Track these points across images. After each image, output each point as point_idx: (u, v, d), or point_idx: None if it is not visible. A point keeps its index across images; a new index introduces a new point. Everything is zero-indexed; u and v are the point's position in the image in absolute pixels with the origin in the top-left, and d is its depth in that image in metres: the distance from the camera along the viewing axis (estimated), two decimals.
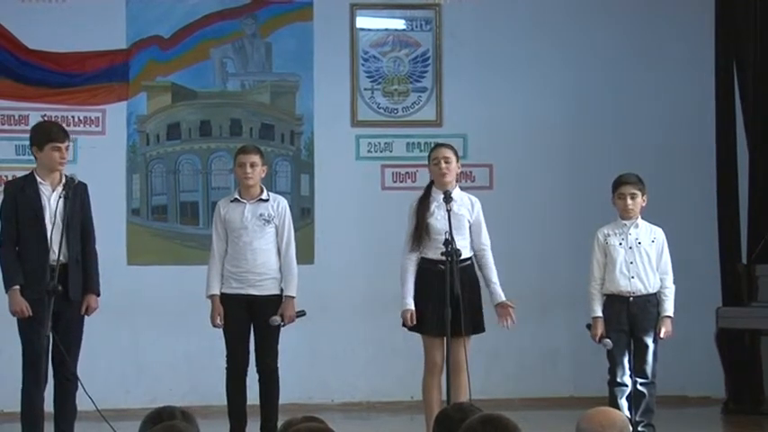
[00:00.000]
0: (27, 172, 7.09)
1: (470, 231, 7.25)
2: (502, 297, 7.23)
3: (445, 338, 6.97)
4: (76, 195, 6.84)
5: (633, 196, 7.34)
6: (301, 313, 7.36)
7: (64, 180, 6.84)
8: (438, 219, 7.17)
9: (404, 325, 7.24)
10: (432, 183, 7.33)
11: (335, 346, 9.58)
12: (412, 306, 7.14)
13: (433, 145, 7.78)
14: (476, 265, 7.25)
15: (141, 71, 9.52)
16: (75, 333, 6.86)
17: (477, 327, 7.18)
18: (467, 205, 7.26)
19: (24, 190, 6.85)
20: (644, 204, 7.41)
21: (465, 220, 7.20)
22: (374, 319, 8.87)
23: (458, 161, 7.33)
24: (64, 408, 6.84)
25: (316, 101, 9.69)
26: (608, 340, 7.23)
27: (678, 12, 9.85)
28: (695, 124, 9.75)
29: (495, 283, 7.26)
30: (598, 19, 9.89)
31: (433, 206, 7.21)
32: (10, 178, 8.13)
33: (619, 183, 7.39)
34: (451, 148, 7.37)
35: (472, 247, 7.25)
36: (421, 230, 7.18)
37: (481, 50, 9.81)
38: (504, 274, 8.52)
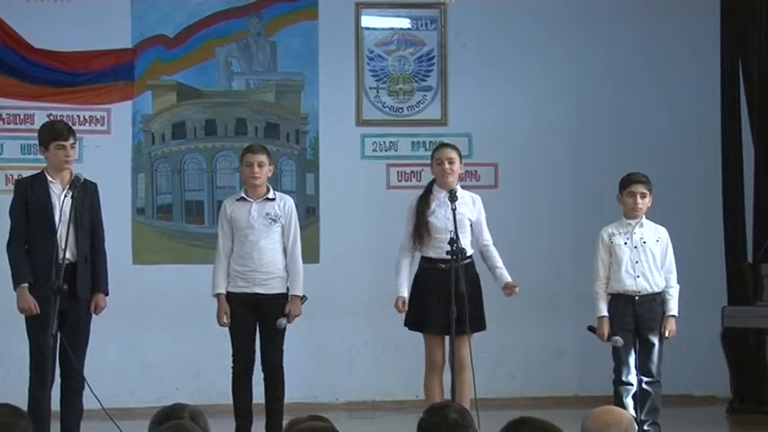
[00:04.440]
0: (32, 171, 7.10)
1: (472, 229, 7.27)
2: (508, 278, 7.32)
3: (450, 337, 6.99)
4: (85, 194, 6.85)
5: (643, 195, 7.35)
6: (303, 298, 7.37)
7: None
8: (438, 217, 7.20)
9: (405, 324, 7.25)
10: (433, 181, 7.35)
11: (340, 344, 9.59)
12: (404, 294, 7.17)
13: (436, 144, 7.81)
14: (476, 263, 7.26)
15: (146, 70, 9.53)
16: (82, 332, 6.87)
17: (480, 324, 7.19)
18: (468, 203, 7.28)
19: (34, 188, 6.87)
20: (649, 205, 7.41)
21: (466, 218, 7.22)
22: (379, 317, 8.85)
23: (461, 161, 7.36)
24: (70, 407, 6.85)
25: (321, 100, 9.69)
26: (618, 338, 7.24)
27: (683, 12, 9.84)
28: (701, 123, 9.75)
29: (500, 268, 7.35)
30: (603, 19, 9.89)
31: (434, 205, 7.24)
32: (16, 177, 8.16)
33: (629, 181, 7.39)
34: (456, 148, 7.41)
35: (475, 245, 7.28)
36: (421, 229, 7.20)
37: (486, 49, 9.81)
38: (509, 273, 8.54)
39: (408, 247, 7.27)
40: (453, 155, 7.31)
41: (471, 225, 7.29)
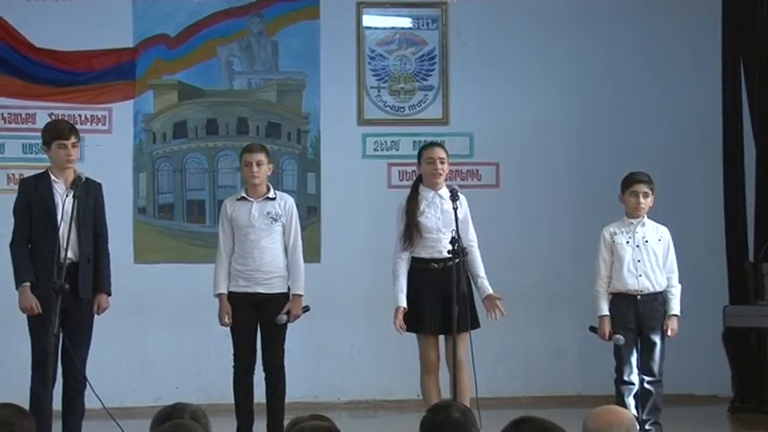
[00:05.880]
0: (34, 170, 7.10)
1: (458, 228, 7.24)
2: (489, 290, 7.24)
3: (452, 336, 6.97)
4: (89, 194, 6.86)
5: (645, 195, 7.36)
6: (306, 309, 7.38)
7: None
8: (429, 217, 7.19)
9: (399, 328, 7.21)
10: (419, 181, 7.32)
11: (342, 344, 9.59)
12: (404, 303, 7.14)
13: (423, 143, 7.81)
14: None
15: (148, 69, 9.54)
16: (84, 332, 6.87)
17: (476, 322, 7.18)
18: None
19: (37, 187, 6.88)
20: (651, 205, 7.42)
21: (454, 216, 7.18)
22: (380, 317, 8.81)
23: (448, 161, 7.34)
24: (72, 406, 6.86)
25: (322, 99, 9.70)
26: (619, 336, 7.25)
27: (683, 12, 9.83)
28: (702, 123, 9.74)
29: (482, 278, 7.26)
30: (604, 18, 9.89)
31: (423, 205, 7.22)
32: (18, 176, 8.19)
33: (632, 181, 7.39)
34: (444, 147, 7.39)
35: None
36: (412, 230, 7.17)
37: (487, 49, 9.81)
38: (510, 272, 8.58)
39: (402, 249, 7.23)
40: (444, 154, 7.30)
41: (458, 224, 7.25)
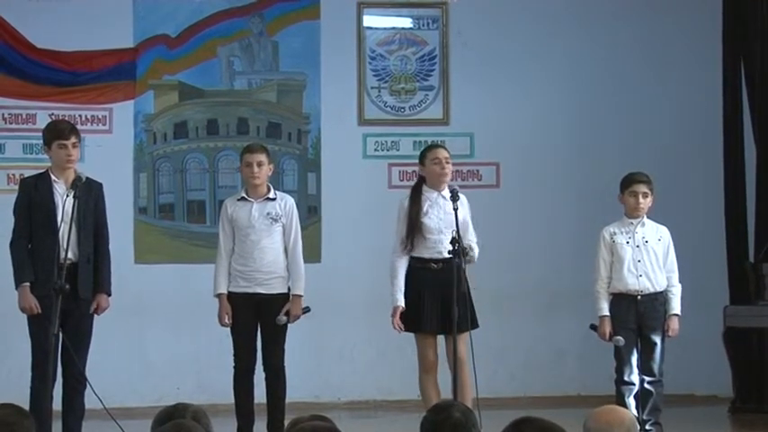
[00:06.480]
0: (34, 170, 7.10)
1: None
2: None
3: (453, 336, 6.97)
4: (89, 194, 6.87)
5: (645, 195, 7.37)
6: (306, 310, 7.38)
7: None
8: (432, 218, 7.20)
9: (397, 327, 7.21)
10: (421, 181, 7.32)
11: (342, 344, 9.59)
12: (402, 303, 7.15)
13: (427, 144, 7.82)
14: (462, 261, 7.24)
15: (148, 70, 9.54)
16: (84, 332, 6.87)
17: (474, 322, 7.18)
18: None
19: (38, 188, 6.88)
20: (650, 205, 7.42)
21: (454, 217, 7.18)
22: (381, 317, 8.80)
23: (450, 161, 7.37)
24: (72, 406, 6.85)
25: (323, 99, 9.70)
26: (619, 338, 7.25)
27: (683, 12, 9.83)
28: (702, 123, 9.74)
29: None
30: (605, 18, 9.89)
31: (426, 205, 7.22)
32: (18, 176, 8.18)
33: (631, 181, 7.40)
34: (446, 148, 7.40)
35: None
36: (414, 229, 7.17)
37: (488, 49, 9.81)
38: (510, 272, 8.59)
39: (402, 249, 7.23)
40: (448, 155, 7.32)
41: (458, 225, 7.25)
